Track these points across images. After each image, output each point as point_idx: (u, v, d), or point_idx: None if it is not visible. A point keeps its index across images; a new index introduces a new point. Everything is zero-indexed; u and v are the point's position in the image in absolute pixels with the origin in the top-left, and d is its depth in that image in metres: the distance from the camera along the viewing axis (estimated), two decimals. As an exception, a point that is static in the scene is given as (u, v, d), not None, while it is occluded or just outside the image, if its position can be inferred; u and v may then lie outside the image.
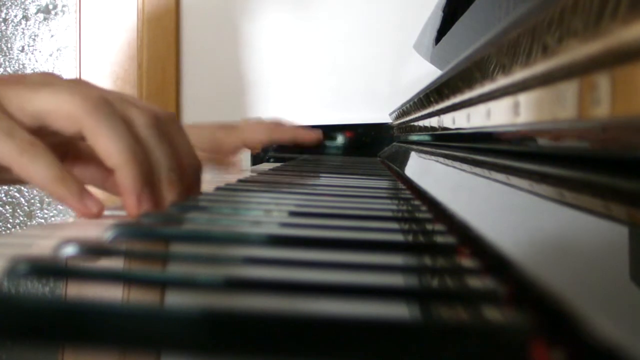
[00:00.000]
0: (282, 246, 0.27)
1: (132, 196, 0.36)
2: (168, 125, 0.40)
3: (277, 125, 0.93)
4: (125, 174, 0.36)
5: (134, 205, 0.36)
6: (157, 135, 0.39)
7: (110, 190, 0.44)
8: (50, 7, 1.58)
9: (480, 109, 0.39)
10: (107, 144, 0.36)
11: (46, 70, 1.57)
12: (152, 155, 0.38)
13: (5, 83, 0.37)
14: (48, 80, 0.38)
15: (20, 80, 0.38)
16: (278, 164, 0.98)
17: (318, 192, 0.48)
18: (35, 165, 0.34)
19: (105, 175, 0.43)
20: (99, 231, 0.28)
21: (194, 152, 0.42)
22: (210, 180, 0.64)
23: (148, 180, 0.37)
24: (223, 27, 1.47)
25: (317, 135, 0.95)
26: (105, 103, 0.37)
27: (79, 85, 0.38)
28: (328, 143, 1.25)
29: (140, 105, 0.39)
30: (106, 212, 0.38)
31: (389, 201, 0.45)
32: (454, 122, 0.50)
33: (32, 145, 0.35)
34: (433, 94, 0.59)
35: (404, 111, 0.90)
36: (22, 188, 1.63)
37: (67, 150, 0.42)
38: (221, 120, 1.43)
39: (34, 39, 1.59)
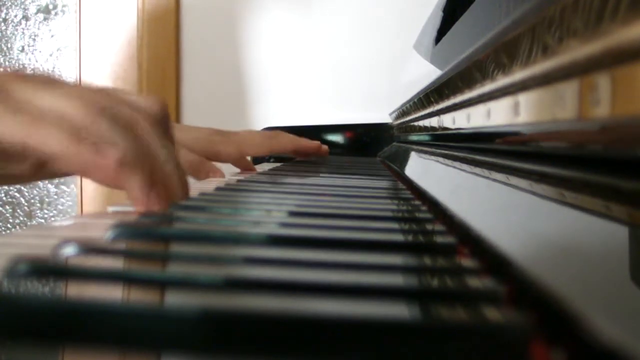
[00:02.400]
0: (282, 246, 0.27)
1: (140, 202, 0.36)
2: (164, 124, 0.40)
3: (278, 136, 0.90)
4: (132, 182, 0.36)
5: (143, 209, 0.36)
6: (157, 136, 0.39)
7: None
8: (50, 7, 1.57)
9: (480, 109, 0.39)
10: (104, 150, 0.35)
11: (46, 70, 1.57)
12: (154, 155, 0.38)
13: (15, 78, 0.37)
14: (55, 83, 0.38)
15: (31, 77, 0.37)
16: (278, 164, 0.98)
17: (318, 192, 0.48)
18: (48, 131, 0.34)
19: None
20: (99, 231, 0.28)
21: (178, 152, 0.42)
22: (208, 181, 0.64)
23: (154, 182, 0.37)
24: (223, 27, 1.47)
25: (320, 146, 0.92)
26: (108, 114, 0.36)
27: (82, 91, 0.38)
28: (328, 143, 1.25)
29: (135, 104, 0.39)
30: (112, 209, 0.38)
31: (389, 201, 0.45)
32: (454, 122, 0.50)
33: (42, 115, 0.34)
34: (433, 94, 0.59)
35: (404, 111, 0.90)
36: (22, 188, 1.63)
37: None
38: (221, 120, 1.43)
39: (34, 39, 1.59)
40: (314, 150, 0.92)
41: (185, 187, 0.40)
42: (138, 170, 0.36)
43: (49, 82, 0.37)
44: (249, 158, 0.94)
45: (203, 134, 0.82)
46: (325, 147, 0.94)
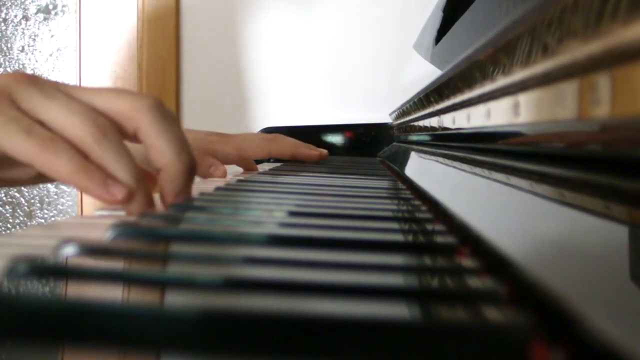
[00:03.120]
0: (282, 246, 0.27)
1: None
2: (163, 115, 0.41)
3: (278, 140, 0.90)
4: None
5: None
6: (157, 125, 0.40)
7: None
8: (50, 7, 1.57)
9: (480, 109, 0.39)
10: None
11: (46, 71, 1.57)
12: (157, 147, 0.40)
13: (21, 80, 0.38)
14: (60, 90, 0.39)
15: (35, 82, 0.39)
16: (278, 164, 0.98)
17: (318, 192, 0.48)
18: (58, 160, 0.35)
19: None
20: (99, 231, 0.28)
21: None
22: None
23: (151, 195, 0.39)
24: (223, 27, 1.47)
25: (320, 154, 0.91)
26: (112, 130, 0.38)
27: (85, 103, 0.39)
28: (328, 143, 1.25)
29: (135, 99, 0.41)
30: (104, 213, 0.38)
31: (389, 201, 0.45)
32: (454, 122, 0.50)
33: (52, 141, 0.36)
34: (433, 94, 0.59)
35: (404, 111, 0.90)
36: (22, 188, 1.63)
37: None
38: (221, 120, 1.43)
39: (34, 39, 1.59)
40: (313, 159, 0.91)
41: (184, 179, 0.41)
42: (139, 196, 0.37)
43: (53, 89, 0.38)
44: None
45: (201, 135, 0.82)
46: (325, 152, 0.94)
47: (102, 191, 0.36)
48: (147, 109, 0.39)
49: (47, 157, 0.35)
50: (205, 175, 0.71)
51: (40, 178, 0.40)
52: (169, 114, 0.40)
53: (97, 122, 0.37)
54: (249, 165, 0.84)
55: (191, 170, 0.41)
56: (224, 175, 0.71)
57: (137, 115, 0.39)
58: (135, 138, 0.40)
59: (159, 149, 0.39)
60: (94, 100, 0.39)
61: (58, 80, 0.41)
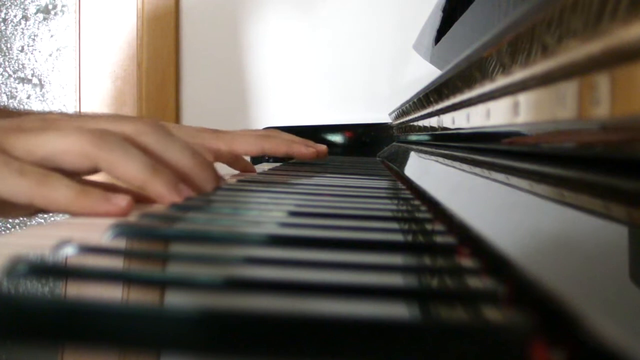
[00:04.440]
0: (282, 246, 0.27)
1: (172, 197, 0.39)
2: (163, 131, 0.43)
3: (272, 136, 0.84)
4: (155, 185, 0.39)
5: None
6: (162, 138, 0.41)
7: None
8: (50, 7, 1.57)
9: (480, 109, 0.39)
10: (126, 169, 0.38)
11: (46, 71, 1.57)
12: (167, 158, 0.41)
13: (6, 131, 0.39)
14: (47, 125, 0.40)
15: (20, 126, 0.39)
16: (278, 164, 0.98)
17: (318, 192, 0.48)
18: (55, 191, 0.36)
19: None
20: (99, 231, 0.28)
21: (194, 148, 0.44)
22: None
23: (176, 180, 0.40)
24: (223, 27, 1.47)
25: (316, 151, 0.85)
26: (111, 133, 0.39)
27: (77, 122, 0.40)
28: (328, 143, 1.25)
29: (132, 122, 0.42)
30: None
31: (388, 201, 0.45)
32: (453, 122, 0.50)
33: (46, 175, 0.36)
34: (433, 94, 0.59)
35: (403, 111, 0.90)
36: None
37: None
38: (221, 120, 1.43)
39: (33, 39, 1.59)
40: (309, 158, 0.85)
41: (210, 170, 0.44)
42: (156, 181, 0.38)
43: (43, 124, 0.39)
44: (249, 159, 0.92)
45: (192, 131, 0.79)
46: (323, 147, 0.87)
47: (106, 206, 0.36)
48: (149, 128, 0.41)
49: (44, 191, 0.36)
50: None
51: (42, 210, 0.40)
52: (169, 132, 0.42)
53: (92, 132, 0.38)
54: (244, 165, 0.79)
55: (211, 165, 0.43)
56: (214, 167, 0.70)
57: (141, 135, 0.40)
58: None
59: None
60: (91, 125, 0.40)
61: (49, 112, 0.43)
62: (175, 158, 0.42)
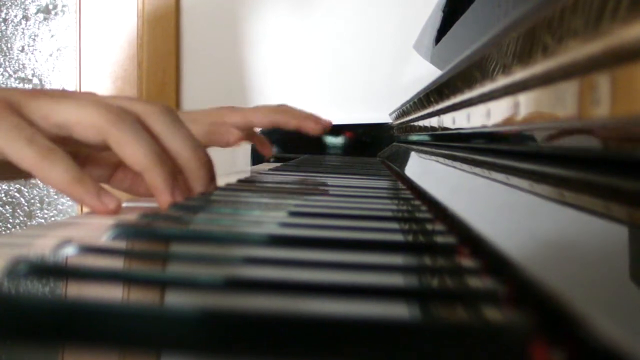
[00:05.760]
0: (282, 246, 0.27)
1: (165, 194, 0.40)
2: (174, 117, 0.43)
3: (284, 110, 0.89)
4: (154, 176, 0.39)
5: (168, 202, 0.40)
6: (170, 123, 0.42)
7: (114, 186, 0.48)
8: (50, 7, 1.57)
9: (480, 109, 0.39)
10: (133, 152, 0.39)
11: (46, 71, 1.57)
12: (169, 144, 0.42)
13: (29, 94, 0.40)
14: (68, 94, 0.41)
15: (42, 92, 0.40)
16: (278, 164, 0.98)
17: (318, 192, 0.48)
18: (54, 170, 0.37)
19: (110, 173, 0.47)
20: (98, 231, 0.28)
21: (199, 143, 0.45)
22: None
23: (174, 175, 0.41)
24: (223, 27, 1.47)
25: (324, 125, 0.88)
26: (126, 113, 0.40)
27: (96, 97, 0.41)
28: (328, 143, 1.25)
29: (146, 103, 0.42)
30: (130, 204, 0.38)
31: (389, 201, 0.45)
32: (454, 122, 0.50)
33: (51, 151, 0.37)
34: (433, 94, 0.59)
35: (404, 111, 0.90)
36: (22, 188, 1.63)
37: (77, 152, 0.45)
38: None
39: (34, 39, 1.59)
40: (318, 133, 0.88)
41: (207, 169, 0.44)
42: (157, 171, 0.39)
43: (64, 94, 0.40)
44: (249, 155, 0.95)
45: (213, 110, 0.85)
46: (329, 122, 0.90)
47: (95, 202, 0.37)
48: (159, 112, 0.41)
49: (44, 166, 0.36)
50: (222, 143, 0.72)
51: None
52: (178, 118, 0.43)
53: (108, 108, 0.39)
54: (259, 140, 0.85)
55: (209, 163, 0.43)
56: (239, 138, 0.71)
57: (150, 117, 0.41)
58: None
59: (177, 145, 0.41)
60: (108, 100, 0.41)
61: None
62: (177, 147, 0.42)
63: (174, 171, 0.41)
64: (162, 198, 0.40)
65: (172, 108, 0.44)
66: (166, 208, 0.39)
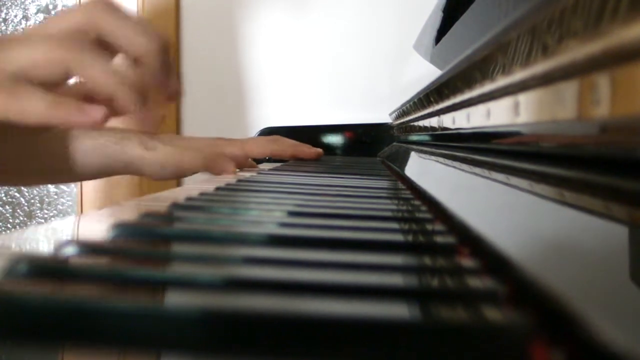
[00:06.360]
0: (282, 246, 0.27)
1: (134, 110, 0.39)
2: (117, 11, 0.42)
3: (279, 140, 0.95)
4: (125, 94, 0.38)
5: (141, 119, 0.40)
6: (115, 21, 0.40)
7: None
8: (50, 7, 1.57)
9: (480, 109, 0.39)
10: (96, 73, 0.38)
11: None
12: (121, 42, 0.40)
13: None
14: (14, 38, 0.39)
15: None
16: (278, 164, 0.98)
17: (318, 192, 0.48)
18: (29, 103, 0.35)
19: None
20: (99, 231, 0.28)
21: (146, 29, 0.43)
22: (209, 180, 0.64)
23: (143, 93, 0.40)
24: (223, 27, 1.47)
25: (318, 153, 0.97)
26: (75, 36, 0.39)
27: (44, 32, 0.40)
28: (328, 143, 1.25)
29: (82, 9, 0.41)
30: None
31: (389, 201, 0.45)
32: (453, 122, 0.50)
33: (16, 84, 0.36)
34: (433, 94, 0.59)
35: (404, 111, 0.90)
36: (22, 188, 1.63)
37: None
38: (221, 120, 1.43)
39: (34, 39, 1.59)
40: (313, 157, 0.97)
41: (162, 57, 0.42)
42: (126, 90, 0.38)
43: (11, 38, 0.39)
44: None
45: (209, 140, 0.88)
46: (320, 150, 0.99)
47: (79, 116, 0.36)
48: (100, 12, 0.39)
49: (17, 103, 0.35)
50: (219, 172, 0.75)
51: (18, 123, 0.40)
52: (119, 8, 0.41)
53: (61, 41, 0.37)
54: (249, 166, 0.89)
55: (165, 48, 0.41)
56: (235, 170, 0.75)
57: (94, 21, 0.39)
58: (102, 45, 0.40)
59: (129, 40, 0.40)
60: (52, 28, 0.39)
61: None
62: (130, 42, 0.40)
63: (141, 88, 0.40)
64: (135, 116, 0.39)
65: (109, 2, 0.42)
66: (140, 125, 0.39)
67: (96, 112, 0.36)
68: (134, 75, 0.40)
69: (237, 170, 0.76)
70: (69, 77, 0.38)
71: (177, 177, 0.75)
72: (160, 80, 0.40)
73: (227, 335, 0.15)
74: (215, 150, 0.82)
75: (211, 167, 0.76)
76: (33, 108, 0.35)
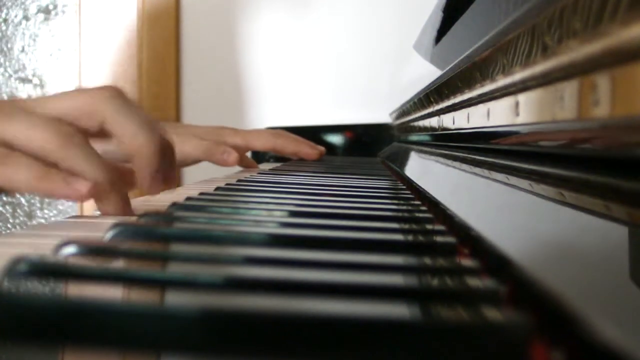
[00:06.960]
0: (282, 246, 0.27)
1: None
2: (125, 104, 0.41)
3: (282, 135, 0.94)
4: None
5: (157, 183, 0.39)
6: (122, 116, 0.40)
7: None
8: (51, 7, 1.57)
9: (480, 109, 0.39)
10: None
11: (46, 71, 1.57)
12: (125, 135, 0.40)
13: None
14: (17, 112, 0.39)
15: None
16: (278, 164, 0.98)
17: (318, 192, 0.48)
18: (17, 172, 0.36)
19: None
20: (99, 231, 0.28)
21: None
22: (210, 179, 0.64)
23: (126, 195, 0.40)
24: (223, 27, 1.47)
25: (320, 152, 0.96)
26: (74, 135, 0.38)
27: (47, 113, 0.39)
28: (328, 143, 1.25)
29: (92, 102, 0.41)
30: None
31: (389, 201, 0.45)
32: (453, 122, 0.50)
33: (7, 156, 0.36)
34: (433, 94, 0.59)
35: (404, 111, 0.90)
36: (22, 188, 1.63)
37: None
38: (221, 120, 1.43)
39: (34, 39, 1.59)
40: (313, 158, 0.95)
41: (159, 156, 0.41)
42: (113, 195, 0.38)
43: (10, 108, 0.39)
44: (250, 155, 0.97)
45: (212, 129, 0.86)
46: (322, 149, 0.97)
47: (65, 190, 0.36)
48: (106, 99, 0.39)
49: (5, 172, 0.36)
50: (220, 161, 0.74)
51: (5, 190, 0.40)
52: (129, 100, 0.40)
53: (58, 130, 0.37)
54: (248, 163, 0.89)
55: (165, 149, 0.40)
56: (237, 160, 0.74)
57: (99, 108, 0.39)
58: (104, 134, 0.40)
59: (128, 134, 0.39)
60: (54, 108, 0.39)
61: (14, 98, 0.42)
62: (128, 139, 0.39)
63: (125, 193, 0.40)
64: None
65: (120, 91, 0.41)
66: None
67: (83, 186, 0.36)
68: (118, 169, 0.40)
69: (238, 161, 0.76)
70: (50, 160, 0.38)
71: (178, 166, 0.75)
72: (152, 177, 0.40)
73: (226, 335, 0.15)
74: (217, 139, 0.81)
75: (213, 158, 0.76)
76: (21, 177, 0.36)
